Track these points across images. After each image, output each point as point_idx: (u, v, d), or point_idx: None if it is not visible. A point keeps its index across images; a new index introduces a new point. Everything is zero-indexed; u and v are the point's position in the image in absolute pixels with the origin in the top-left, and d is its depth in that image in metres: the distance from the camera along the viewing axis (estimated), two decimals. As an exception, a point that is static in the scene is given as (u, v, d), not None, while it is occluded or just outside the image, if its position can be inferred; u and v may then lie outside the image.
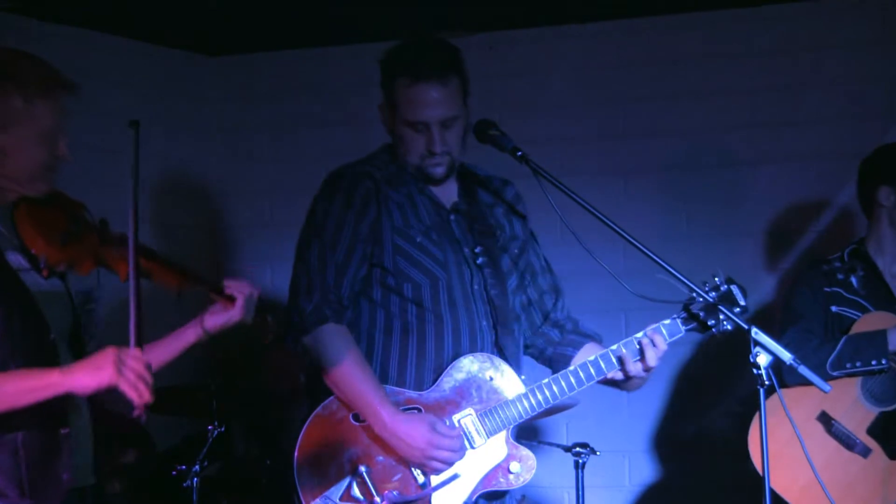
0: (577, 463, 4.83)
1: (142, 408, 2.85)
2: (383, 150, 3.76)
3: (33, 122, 2.95)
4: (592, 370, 3.57)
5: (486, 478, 3.57)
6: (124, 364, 2.82)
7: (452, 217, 3.72)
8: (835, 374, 4.24)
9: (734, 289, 3.56)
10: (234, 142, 6.39)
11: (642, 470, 5.70)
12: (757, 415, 3.46)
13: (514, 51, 5.57)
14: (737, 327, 3.45)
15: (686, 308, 3.58)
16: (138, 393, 2.82)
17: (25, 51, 3.02)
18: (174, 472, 4.84)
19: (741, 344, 3.36)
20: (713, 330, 3.55)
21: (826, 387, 3.48)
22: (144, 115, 3.00)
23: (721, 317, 3.51)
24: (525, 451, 3.59)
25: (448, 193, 3.75)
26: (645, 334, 3.59)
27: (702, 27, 5.67)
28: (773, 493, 3.43)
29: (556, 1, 5.51)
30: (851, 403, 4.31)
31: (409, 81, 3.60)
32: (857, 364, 4.24)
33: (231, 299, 3.15)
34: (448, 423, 3.55)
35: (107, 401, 3.14)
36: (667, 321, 3.60)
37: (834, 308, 4.43)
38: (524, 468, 3.59)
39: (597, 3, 5.56)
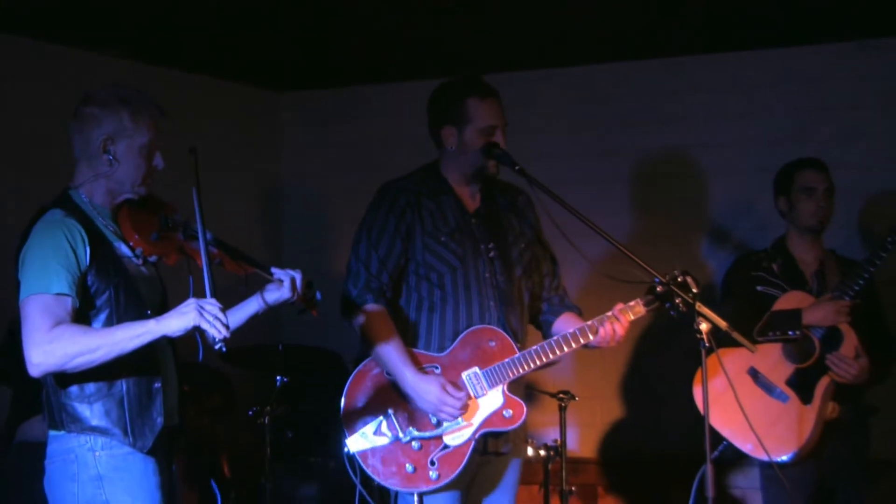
0: (560, 406, 4.93)
1: (221, 341, 2.89)
2: (423, 169, 3.92)
3: (137, 136, 3.11)
4: (571, 340, 3.71)
5: (487, 420, 3.69)
6: (203, 308, 2.89)
7: (474, 221, 3.85)
8: (760, 339, 4.28)
9: (689, 279, 3.61)
10: (297, 162, 6.46)
11: (611, 411, 5.77)
12: (700, 369, 3.53)
13: (514, 87, 5.02)
14: (688, 308, 3.53)
15: (649, 292, 3.67)
16: (216, 329, 2.89)
17: (131, 85, 3.22)
18: (250, 412, 4.97)
19: (689, 315, 3.51)
20: (671, 313, 3.62)
21: (752, 348, 3.74)
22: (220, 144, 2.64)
23: (677, 300, 3.57)
24: (517, 401, 3.71)
25: (474, 199, 3.88)
26: (614, 312, 3.71)
27: (659, 70, 5.73)
28: (712, 429, 3.52)
29: (541, 48, 5.55)
30: (775, 361, 4.36)
31: (480, 98, 3.76)
32: (777, 333, 4.30)
33: (280, 281, 3.25)
34: (460, 380, 3.67)
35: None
36: (632, 302, 3.73)
37: (759, 288, 4.48)
38: (516, 413, 3.70)
39: (577, 50, 5.62)
